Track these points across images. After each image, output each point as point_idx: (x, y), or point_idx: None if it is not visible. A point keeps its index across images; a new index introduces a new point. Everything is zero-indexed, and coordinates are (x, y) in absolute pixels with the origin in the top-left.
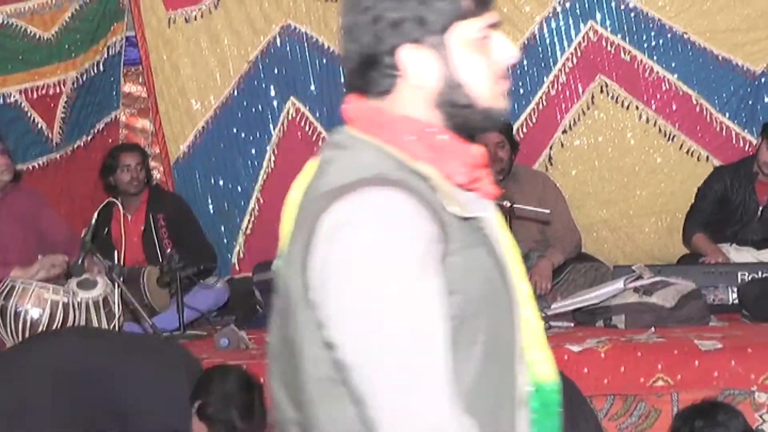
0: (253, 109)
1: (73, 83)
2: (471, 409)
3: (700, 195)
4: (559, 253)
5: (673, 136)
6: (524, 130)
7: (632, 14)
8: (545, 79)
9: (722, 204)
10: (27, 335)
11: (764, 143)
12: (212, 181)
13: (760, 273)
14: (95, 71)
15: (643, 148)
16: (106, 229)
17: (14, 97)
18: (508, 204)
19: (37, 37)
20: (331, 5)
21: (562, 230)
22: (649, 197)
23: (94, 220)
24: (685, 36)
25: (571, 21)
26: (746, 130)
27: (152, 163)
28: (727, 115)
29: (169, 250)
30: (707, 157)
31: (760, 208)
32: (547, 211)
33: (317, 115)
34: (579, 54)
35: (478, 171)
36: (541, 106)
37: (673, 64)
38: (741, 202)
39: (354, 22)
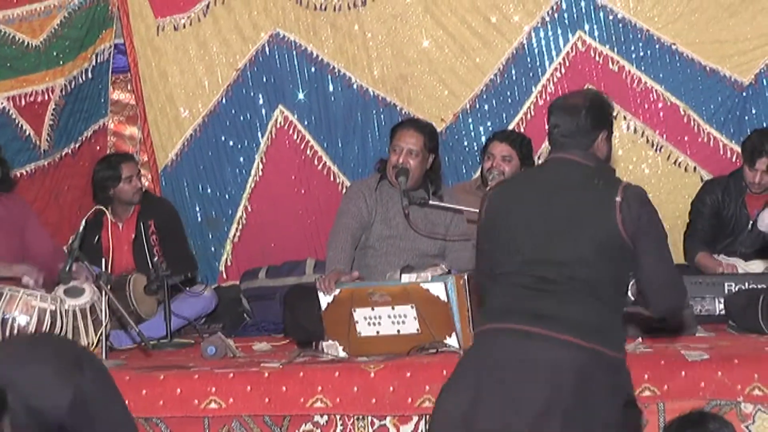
0: (242, 117)
1: (61, 90)
2: None
3: (696, 212)
4: None
5: (661, 147)
6: None
7: (620, 25)
8: (533, 88)
9: (715, 217)
10: None
11: (746, 165)
12: (200, 188)
13: (746, 284)
14: (84, 78)
15: (630, 159)
16: (97, 237)
17: (2, 104)
18: None
19: (26, 44)
20: (320, 14)
21: None
22: None
23: (82, 228)
24: (673, 47)
25: (559, 31)
26: (734, 141)
27: (141, 170)
28: (715, 125)
29: (156, 258)
30: (695, 168)
31: (751, 222)
32: None
33: (305, 123)
34: (567, 64)
35: None
36: (529, 116)
37: (661, 75)
38: (732, 215)
39: None
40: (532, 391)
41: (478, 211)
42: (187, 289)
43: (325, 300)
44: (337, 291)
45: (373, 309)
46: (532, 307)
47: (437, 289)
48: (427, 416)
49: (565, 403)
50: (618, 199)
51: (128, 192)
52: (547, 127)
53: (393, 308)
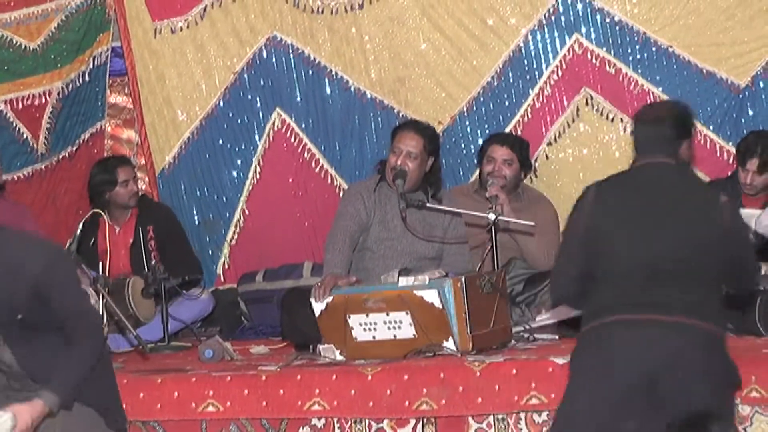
0: (239, 120)
1: (58, 93)
2: None
3: None
4: (536, 242)
5: None
6: None
7: (617, 27)
8: (530, 91)
9: None
10: None
11: (739, 166)
12: (198, 191)
13: None
14: (81, 82)
15: (627, 161)
16: (93, 240)
17: None
18: (493, 216)
19: (23, 47)
20: (317, 17)
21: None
22: None
23: (79, 231)
24: (670, 49)
25: (556, 34)
26: (730, 143)
27: (137, 174)
28: (711, 128)
29: (153, 262)
30: None
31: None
32: (532, 223)
33: (303, 126)
34: (564, 67)
35: None
36: (526, 118)
37: (658, 77)
38: None
39: None
40: (666, 380)
41: (573, 212)
42: (185, 292)
43: (318, 307)
44: (330, 298)
45: (367, 315)
46: (650, 298)
47: (431, 296)
48: (425, 419)
49: (694, 384)
50: (724, 198)
51: (124, 196)
52: (632, 136)
53: (388, 314)
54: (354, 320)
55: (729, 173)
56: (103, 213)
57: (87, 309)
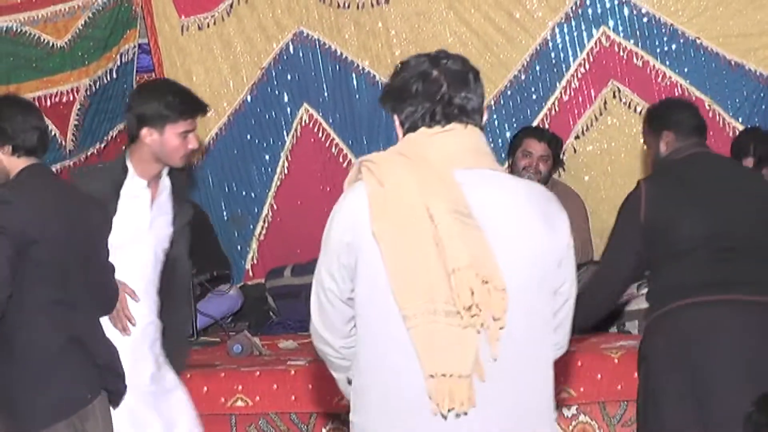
0: (267, 116)
1: (86, 91)
2: None
3: None
4: None
5: None
6: None
7: (645, 19)
8: (558, 84)
9: None
10: None
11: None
12: (226, 187)
13: None
14: (108, 79)
15: None
16: None
17: None
18: None
19: (51, 44)
20: (343, 12)
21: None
22: None
23: None
24: (698, 41)
25: (583, 26)
26: None
27: None
28: (740, 120)
29: None
30: None
31: None
32: None
33: (330, 121)
34: (591, 59)
35: None
36: (553, 111)
37: (686, 70)
38: None
39: None
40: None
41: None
42: (213, 288)
43: None
44: None
45: None
46: (721, 276)
47: None
48: None
49: None
50: None
51: None
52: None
53: None
54: None
55: None
56: None
57: None
